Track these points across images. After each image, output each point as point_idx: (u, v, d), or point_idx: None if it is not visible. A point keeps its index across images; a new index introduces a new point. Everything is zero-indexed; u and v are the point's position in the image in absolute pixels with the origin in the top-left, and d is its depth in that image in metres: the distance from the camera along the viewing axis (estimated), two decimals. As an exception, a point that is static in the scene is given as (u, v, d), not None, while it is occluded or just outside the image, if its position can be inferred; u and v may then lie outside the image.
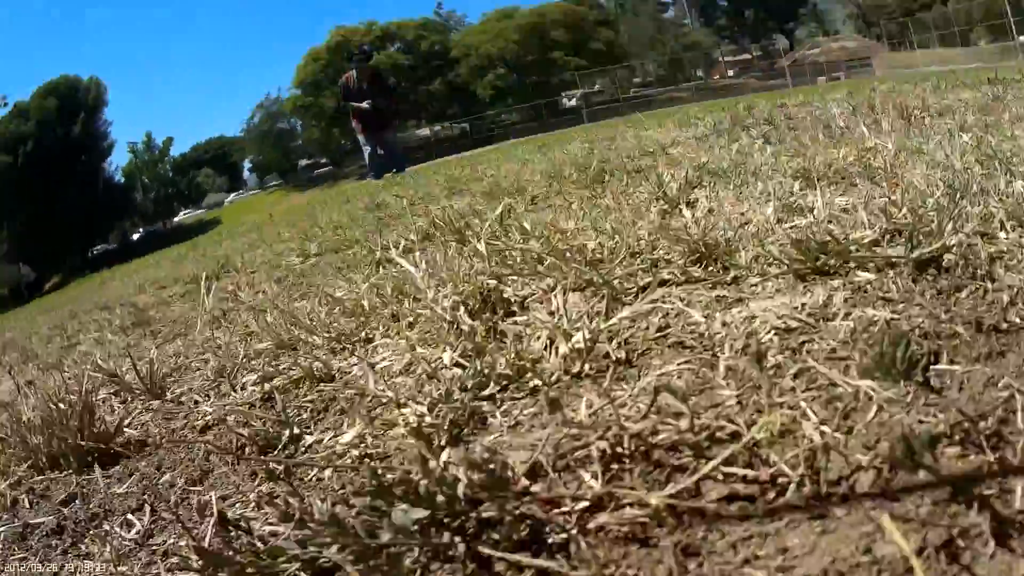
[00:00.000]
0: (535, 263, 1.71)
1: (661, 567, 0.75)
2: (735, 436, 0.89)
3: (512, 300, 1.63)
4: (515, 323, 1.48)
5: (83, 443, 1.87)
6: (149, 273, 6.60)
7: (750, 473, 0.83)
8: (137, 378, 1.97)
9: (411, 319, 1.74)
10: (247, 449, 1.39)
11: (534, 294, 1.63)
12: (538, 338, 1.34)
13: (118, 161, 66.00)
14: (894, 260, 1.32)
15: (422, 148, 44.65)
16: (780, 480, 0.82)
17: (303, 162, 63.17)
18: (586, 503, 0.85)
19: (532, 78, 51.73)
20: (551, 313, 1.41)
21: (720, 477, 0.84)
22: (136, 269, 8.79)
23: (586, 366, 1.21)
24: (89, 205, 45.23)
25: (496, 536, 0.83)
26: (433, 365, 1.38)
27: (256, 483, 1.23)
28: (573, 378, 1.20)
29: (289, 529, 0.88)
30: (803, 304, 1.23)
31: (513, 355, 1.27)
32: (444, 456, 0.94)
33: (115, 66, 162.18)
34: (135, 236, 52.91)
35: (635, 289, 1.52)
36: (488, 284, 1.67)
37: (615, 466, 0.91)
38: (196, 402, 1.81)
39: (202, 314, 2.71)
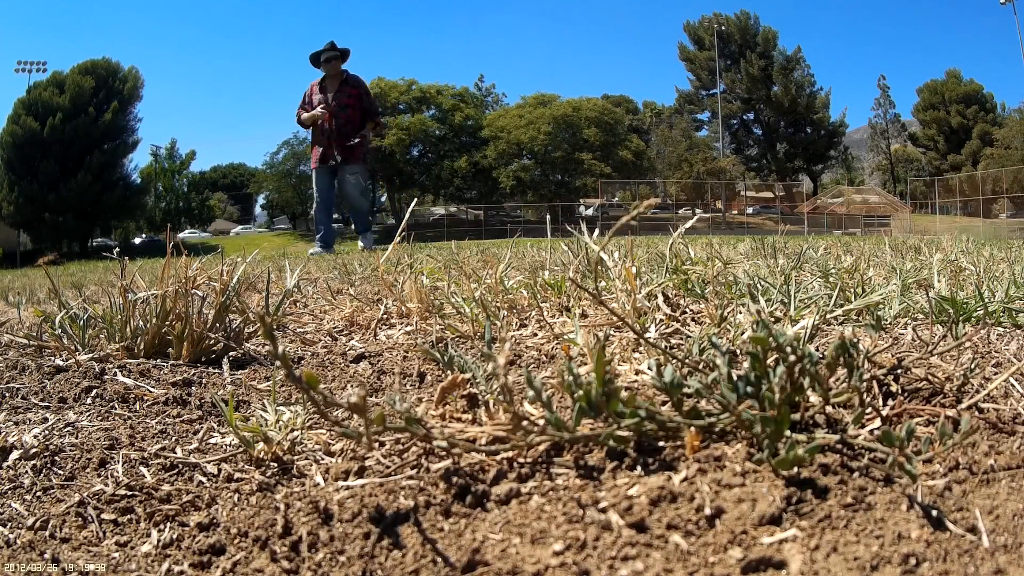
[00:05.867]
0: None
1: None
2: None
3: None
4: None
5: (212, 335, 1.68)
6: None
7: None
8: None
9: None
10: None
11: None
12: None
13: (139, 160, 66.33)
14: None
15: (433, 227, 44.94)
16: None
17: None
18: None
19: (556, 176, 52.56)
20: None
21: None
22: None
23: None
24: (101, 195, 45.16)
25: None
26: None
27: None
28: None
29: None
30: None
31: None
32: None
33: (153, 62, 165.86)
34: (137, 240, 52.59)
35: None
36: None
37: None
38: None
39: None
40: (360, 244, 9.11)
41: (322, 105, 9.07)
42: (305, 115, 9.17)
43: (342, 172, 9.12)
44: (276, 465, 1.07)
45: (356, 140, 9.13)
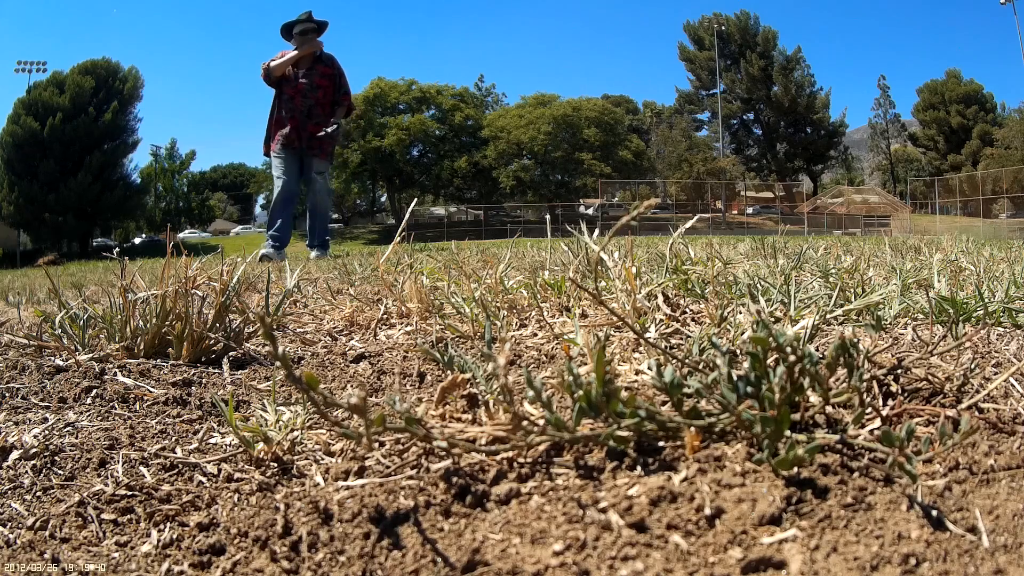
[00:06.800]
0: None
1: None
2: None
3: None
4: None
5: (212, 335, 1.68)
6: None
7: None
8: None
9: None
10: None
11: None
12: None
13: (139, 160, 66.50)
14: None
15: (433, 227, 45.02)
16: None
17: (315, 211, 63.62)
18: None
19: (556, 176, 52.57)
20: None
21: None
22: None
23: None
24: (101, 195, 45.19)
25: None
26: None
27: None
28: None
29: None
30: None
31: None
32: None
33: (153, 62, 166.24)
34: (137, 240, 52.69)
35: None
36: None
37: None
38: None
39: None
40: (312, 255, 7.68)
41: (299, 86, 7.80)
42: (275, 63, 7.76)
43: (307, 167, 7.88)
44: (276, 465, 1.07)
45: (330, 129, 7.88)
